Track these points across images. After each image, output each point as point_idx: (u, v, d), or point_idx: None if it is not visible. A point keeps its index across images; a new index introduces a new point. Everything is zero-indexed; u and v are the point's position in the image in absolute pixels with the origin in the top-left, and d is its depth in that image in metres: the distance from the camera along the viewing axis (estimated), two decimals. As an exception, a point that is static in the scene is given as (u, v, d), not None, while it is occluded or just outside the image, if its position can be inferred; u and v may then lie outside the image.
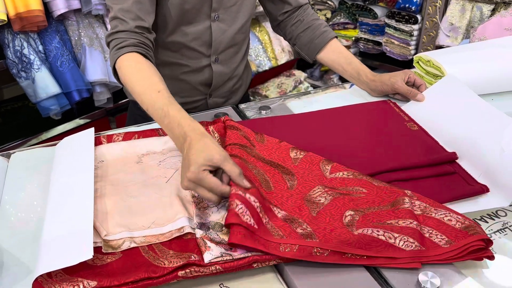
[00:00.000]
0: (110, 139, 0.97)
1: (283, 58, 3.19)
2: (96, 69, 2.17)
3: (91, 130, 0.97)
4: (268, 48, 3.15)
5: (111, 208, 0.79)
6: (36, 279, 0.64)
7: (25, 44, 1.99)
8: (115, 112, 2.56)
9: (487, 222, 0.81)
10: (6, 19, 1.84)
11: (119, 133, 0.99)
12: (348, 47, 3.01)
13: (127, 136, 0.98)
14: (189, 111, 1.25)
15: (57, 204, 0.78)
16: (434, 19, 2.50)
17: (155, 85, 0.89)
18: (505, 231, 0.79)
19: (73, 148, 0.93)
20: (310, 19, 1.28)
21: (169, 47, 1.13)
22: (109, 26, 2.31)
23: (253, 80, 3.01)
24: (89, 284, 0.64)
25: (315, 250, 0.69)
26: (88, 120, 2.47)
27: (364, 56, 2.99)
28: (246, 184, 0.75)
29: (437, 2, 2.46)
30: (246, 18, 1.18)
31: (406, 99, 1.14)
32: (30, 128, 2.28)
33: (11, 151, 1.00)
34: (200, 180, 0.74)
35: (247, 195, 0.73)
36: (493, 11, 2.22)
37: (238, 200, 0.71)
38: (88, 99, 2.32)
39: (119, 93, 2.46)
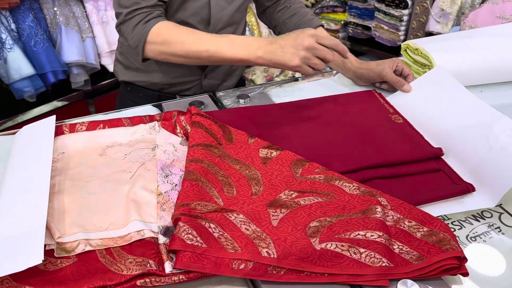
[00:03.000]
0: (73, 128, 0.90)
1: (270, 41, 3.11)
2: (72, 49, 2.08)
3: (52, 118, 0.89)
4: (255, 30, 3.06)
5: (69, 205, 0.73)
6: None
7: (-4, 22, 1.89)
8: (93, 94, 2.47)
9: (472, 224, 0.77)
10: (-26, -6, 1.74)
11: (83, 122, 0.91)
12: (336, 31, 2.94)
13: (92, 126, 0.91)
14: (182, 92, 1.20)
15: (9, 200, 0.71)
16: (424, 4, 2.43)
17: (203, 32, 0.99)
18: (490, 234, 0.75)
19: (32, 138, 0.86)
20: (297, 6, 1.25)
21: None
22: (87, 5, 2.22)
23: (239, 63, 2.93)
24: None
25: (271, 268, 0.63)
26: (66, 103, 2.39)
27: (352, 41, 2.92)
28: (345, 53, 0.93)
29: (428, -13, 2.39)
30: None
31: (393, 89, 1.09)
32: (5, 110, 2.19)
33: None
34: (315, 48, 0.88)
35: (194, 213, 0.67)
36: (485, -2, 2.16)
37: (182, 221, 0.65)
38: (65, 81, 2.23)
39: (97, 74, 2.37)
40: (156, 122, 0.91)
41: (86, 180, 0.79)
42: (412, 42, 1.16)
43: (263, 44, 0.93)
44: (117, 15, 1.03)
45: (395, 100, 1.05)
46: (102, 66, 2.29)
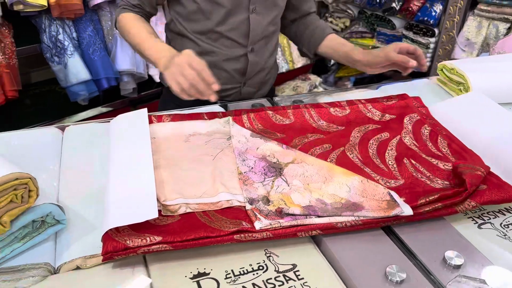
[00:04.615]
0: (160, 119, 1.05)
1: (299, 62, 3.29)
2: (125, 59, 2.26)
3: (145, 110, 1.05)
4: (286, 51, 3.24)
5: (166, 178, 0.87)
6: (106, 232, 0.72)
7: (60, 30, 2.08)
8: (137, 102, 2.64)
9: (505, 215, 0.89)
10: (46, 4, 1.93)
11: (169, 114, 1.07)
12: (364, 55, 3.09)
13: (175, 118, 1.06)
14: (223, 98, 1.34)
15: (120, 172, 0.86)
16: (451, 33, 2.59)
17: (146, 28, 1.17)
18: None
19: (129, 124, 1.01)
20: (313, 20, 1.41)
21: (210, 36, 1.23)
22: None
23: (270, 81, 3.09)
24: (155, 239, 0.72)
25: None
26: (110, 109, 2.56)
27: (379, 65, 3.08)
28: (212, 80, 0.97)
29: (455, 17, 2.55)
30: (278, 11, 1.29)
31: (400, 70, 1.22)
32: (54, 112, 2.37)
33: (65, 124, 1.09)
34: (204, 70, 0.95)
35: None
36: (509, 29, 2.31)
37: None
38: (114, 88, 2.40)
39: (143, 83, 2.55)
40: (229, 117, 1.07)
41: (177, 160, 0.93)
42: (449, 63, 1.30)
43: (166, 59, 1.03)
44: None
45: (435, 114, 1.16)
46: (149, 76, 2.47)
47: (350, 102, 1.14)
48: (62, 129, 1.07)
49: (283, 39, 3.20)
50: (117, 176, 0.85)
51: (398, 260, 0.75)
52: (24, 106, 2.33)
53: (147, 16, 1.24)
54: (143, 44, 1.13)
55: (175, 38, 1.29)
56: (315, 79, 3.33)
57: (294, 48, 3.24)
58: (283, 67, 3.16)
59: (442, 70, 1.33)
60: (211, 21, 1.20)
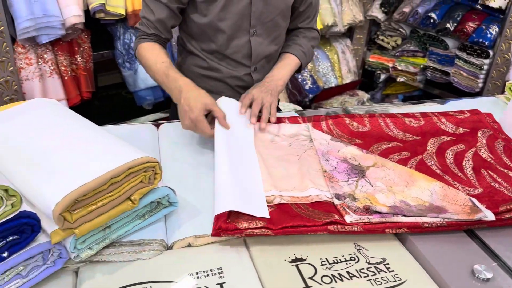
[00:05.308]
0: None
1: (348, 78, 3.35)
2: (189, 67, 2.38)
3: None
4: (336, 67, 3.31)
5: (261, 171, 0.96)
6: (218, 214, 0.81)
7: (133, 38, 2.23)
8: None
9: None
10: (124, 14, 2.08)
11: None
12: (414, 73, 3.13)
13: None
14: None
15: (230, 162, 0.95)
16: (506, 55, 2.60)
17: (160, 58, 1.17)
18: None
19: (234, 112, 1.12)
20: (295, 35, 1.36)
21: (216, 56, 1.27)
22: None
23: (319, 95, 3.17)
24: (259, 223, 0.80)
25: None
26: (167, 115, 2.69)
27: (429, 84, 3.10)
28: (227, 125, 1.04)
29: (511, 40, 2.56)
30: (280, 31, 1.28)
31: None
32: (119, 115, 2.51)
33: (158, 122, 1.20)
34: (198, 122, 1.02)
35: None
36: None
37: None
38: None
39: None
40: (308, 124, 1.15)
41: (265, 156, 1.02)
42: (517, 82, 1.34)
43: (176, 96, 1.09)
44: None
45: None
46: (208, 85, 2.59)
47: (424, 114, 1.20)
48: (157, 126, 1.18)
49: (333, 55, 3.28)
50: (228, 166, 0.93)
51: (483, 259, 0.81)
52: (93, 107, 2.49)
53: (164, 42, 1.26)
54: (157, 77, 1.17)
55: (185, 53, 1.32)
56: (363, 95, 3.37)
57: (343, 63, 3.31)
58: (332, 82, 3.23)
59: (510, 88, 1.37)
60: (215, 44, 1.23)
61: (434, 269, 0.78)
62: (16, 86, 1.94)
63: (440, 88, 3.06)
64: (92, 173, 0.71)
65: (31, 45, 1.92)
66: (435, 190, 0.93)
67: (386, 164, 1.00)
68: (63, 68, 2.02)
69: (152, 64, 1.17)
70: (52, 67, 1.98)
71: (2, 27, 1.82)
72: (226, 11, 1.16)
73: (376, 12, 3.16)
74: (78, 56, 2.08)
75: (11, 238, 0.66)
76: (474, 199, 0.90)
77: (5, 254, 0.66)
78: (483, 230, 0.87)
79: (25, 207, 0.68)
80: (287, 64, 1.29)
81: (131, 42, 2.22)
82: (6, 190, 0.68)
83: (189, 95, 1.05)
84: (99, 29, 2.22)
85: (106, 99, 2.60)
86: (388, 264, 0.80)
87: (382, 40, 3.28)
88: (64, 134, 0.83)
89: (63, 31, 1.90)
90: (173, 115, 1.43)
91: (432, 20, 2.85)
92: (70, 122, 0.88)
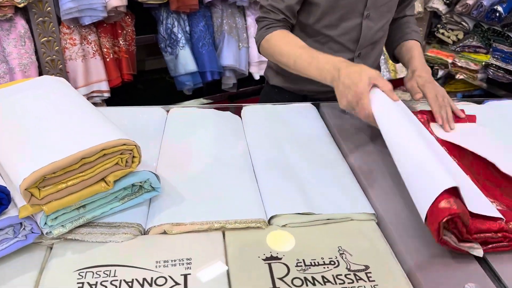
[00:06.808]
0: None
1: (402, 73, 3.18)
2: (230, 55, 2.38)
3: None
4: (389, 60, 3.16)
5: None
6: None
7: (176, 23, 2.25)
8: (235, 97, 2.76)
9: None
10: (166, -1, 2.11)
11: None
12: (475, 71, 2.90)
13: None
14: (328, 100, 1.35)
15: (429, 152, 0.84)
16: None
17: (299, 43, 1.13)
18: None
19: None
20: (405, 22, 1.36)
21: (318, 40, 1.24)
22: (248, 18, 2.52)
23: (369, 89, 3.03)
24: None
25: None
26: (210, 101, 2.71)
27: (491, 83, 2.87)
28: (396, 97, 0.95)
29: None
30: (390, 17, 1.27)
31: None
32: (160, 99, 2.57)
33: (170, 106, 1.19)
34: (363, 96, 0.94)
35: None
36: None
37: None
38: (216, 82, 2.54)
39: (243, 80, 2.66)
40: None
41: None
42: None
43: (331, 74, 1.01)
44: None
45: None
46: (250, 73, 2.57)
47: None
48: (167, 110, 1.18)
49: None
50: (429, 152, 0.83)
51: (481, 277, 0.72)
52: (136, 90, 2.56)
53: (290, 29, 1.23)
54: (298, 62, 1.11)
55: None
56: (418, 92, 3.19)
57: (398, 58, 3.14)
58: (385, 76, 3.08)
59: None
60: (320, 24, 1.21)
61: (421, 284, 0.71)
62: (61, 65, 2.03)
63: (506, 89, 2.81)
64: (64, 152, 0.71)
65: (76, 26, 2.00)
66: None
67: None
68: (105, 49, 2.09)
69: (290, 50, 1.13)
70: (95, 48, 2.05)
71: (49, 8, 1.91)
72: None
73: (437, 4, 2.95)
74: (120, 38, 2.14)
75: (-21, 209, 0.67)
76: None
77: (-26, 225, 0.68)
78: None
79: (-2, 180, 0.69)
80: (421, 53, 1.31)
81: (173, 27, 2.24)
82: (-19, 162, 0.69)
83: (351, 70, 0.98)
84: (144, 13, 2.27)
85: (150, 83, 2.67)
86: (370, 273, 0.74)
87: (443, 33, 3.07)
88: (51, 112, 0.84)
89: (105, 13, 1.95)
90: (265, 98, 1.46)
91: (498, 14, 2.62)
92: (63, 101, 0.89)
